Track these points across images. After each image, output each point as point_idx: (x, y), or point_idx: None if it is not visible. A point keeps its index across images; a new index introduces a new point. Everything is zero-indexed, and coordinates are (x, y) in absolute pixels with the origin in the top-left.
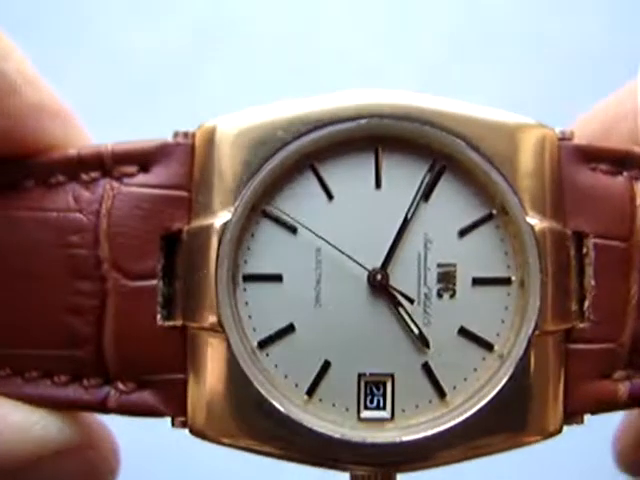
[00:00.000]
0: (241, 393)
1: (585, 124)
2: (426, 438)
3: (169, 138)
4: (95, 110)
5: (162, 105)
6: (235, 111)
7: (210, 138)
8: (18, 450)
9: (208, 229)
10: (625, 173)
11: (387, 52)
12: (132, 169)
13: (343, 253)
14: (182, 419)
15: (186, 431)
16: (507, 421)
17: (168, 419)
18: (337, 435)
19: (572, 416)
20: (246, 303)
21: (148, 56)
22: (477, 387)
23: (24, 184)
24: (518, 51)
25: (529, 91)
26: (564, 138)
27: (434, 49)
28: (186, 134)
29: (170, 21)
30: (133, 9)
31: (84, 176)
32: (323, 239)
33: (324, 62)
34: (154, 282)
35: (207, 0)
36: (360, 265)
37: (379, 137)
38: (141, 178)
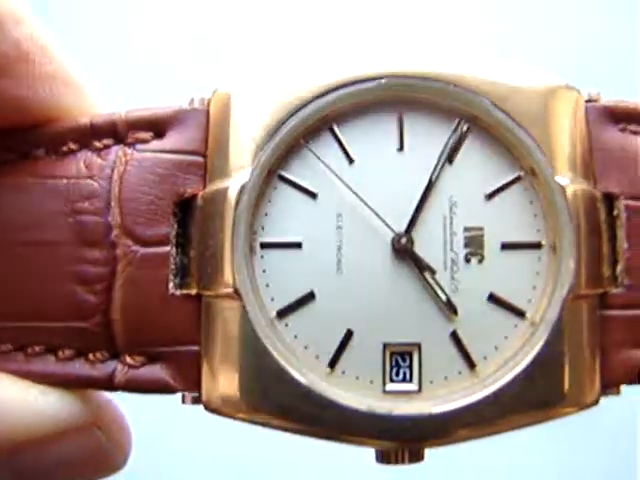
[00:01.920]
0: (259, 365)
1: None
2: (456, 410)
3: (185, 105)
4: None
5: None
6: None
7: (226, 101)
8: (15, 428)
9: (224, 193)
10: None
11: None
12: (146, 135)
13: (372, 211)
14: (195, 394)
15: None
16: (541, 391)
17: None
18: (362, 407)
19: (608, 386)
20: (264, 271)
21: (148, 56)
22: (509, 356)
23: (35, 153)
24: (518, 51)
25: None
26: (591, 100)
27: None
28: (202, 100)
29: (170, 21)
30: (133, 8)
31: (97, 143)
32: (357, 195)
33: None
34: (167, 249)
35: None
36: (387, 225)
37: (400, 98)
38: (155, 144)
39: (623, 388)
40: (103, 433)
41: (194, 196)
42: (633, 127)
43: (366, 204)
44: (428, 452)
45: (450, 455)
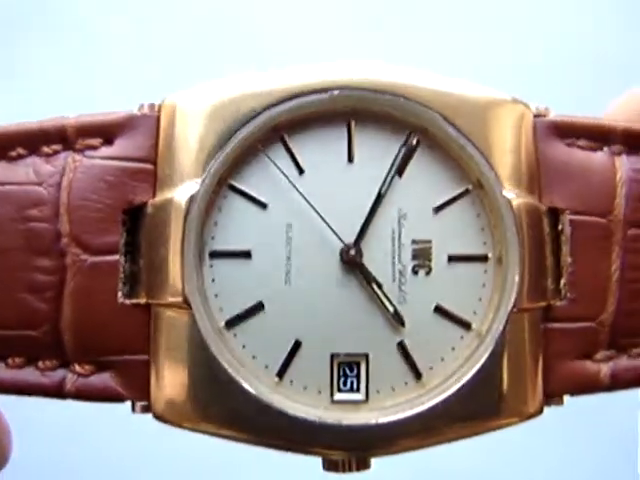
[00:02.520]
0: (207, 374)
1: (619, 109)
2: (402, 420)
3: (135, 110)
4: (94, 109)
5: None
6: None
7: (174, 109)
8: None
9: (174, 202)
10: (606, 148)
11: (388, 52)
12: (95, 142)
13: (324, 221)
14: (144, 403)
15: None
16: (485, 402)
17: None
18: (312, 417)
19: (552, 397)
20: (213, 280)
21: (148, 56)
22: (455, 367)
23: None
24: (519, 51)
25: (529, 91)
26: (539, 114)
27: (433, 49)
28: (152, 106)
29: (170, 20)
30: (133, 8)
31: (45, 149)
32: (309, 204)
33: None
34: (116, 257)
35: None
36: (337, 237)
37: (351, 109)
38: (105, 151)
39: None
40: None
41: (144, 204)
42: (581, 142)
43: (318, 214)
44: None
45: (450, 454)
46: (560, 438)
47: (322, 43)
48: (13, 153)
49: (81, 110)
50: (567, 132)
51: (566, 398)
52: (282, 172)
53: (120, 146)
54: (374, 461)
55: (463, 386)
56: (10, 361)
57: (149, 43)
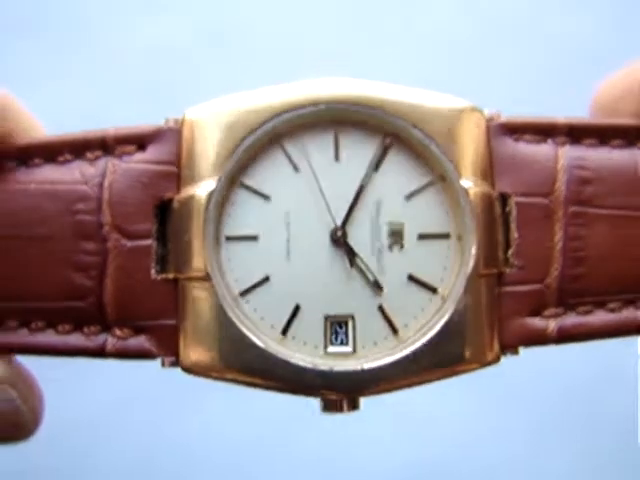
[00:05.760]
0: (225, 332)
1: (600, 95)
2: (383, 366)
3: (162, 123)
4: (94, 110)
5: (162, 104)
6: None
7: (193, 123)
8: None
9: (195, 197)
10: (550, 140)
11: (388, 52)
12: (130, 148)
13: (325, 203)
14: (172, 359)
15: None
16: (450, 351)
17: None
18: (309, 365)
19: (507, 348)
20: (228, 259)
21: (148, 55)
22: (424, 322)
23: (34, 161)
24: (518, 50)
25: (529, 91)
26: (492, 118)
27: (433, 49)
28: (176, 120)
29: (170, 20)
30: (133, 8)
31: (89, 154)
32: (313, 190)
33: (324, 61)
34: (149, 242)
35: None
36: (332, 219)
37: (336, 119)
38: (138, 156)
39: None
40: (19, 396)
41: (171, 200)
42: (527, 137)
43: (322, 195)
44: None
45: (451, 454)
46: (563, 436)
47: (319, 56)
48: (61, 158)
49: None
50: (514, 129)
51: (521, 350)
52: (281, 170)
53: (151, 153)
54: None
55: (431, 338)
56: (60, 328)
57: (159, 55)
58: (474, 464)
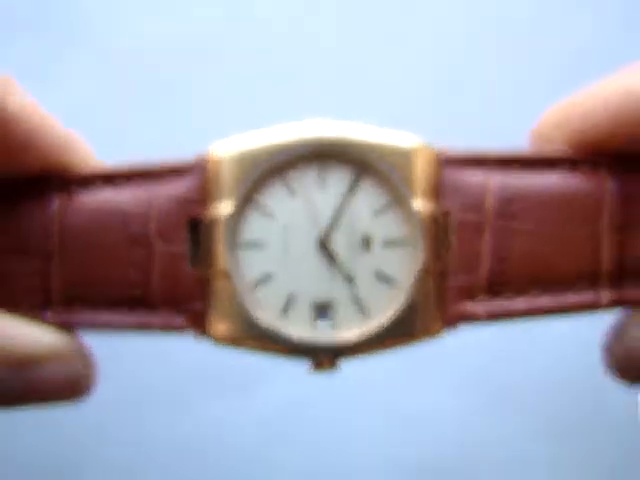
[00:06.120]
0: (242, 315)
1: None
2: (357, 338)
3: (195, 157)
4: (95, 110)
5: (163, 104)
6: (237, 110)
7: (215, 158)
8: (20, 347)
9: (218, 214)
10: (483, 167)
11: (389, 52)
12: (170, 176)
13: (314, 221)
14: (202, 333)
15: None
16: (407, 327)
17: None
18: (302, 335)
19: (448, 325)
20: (243, 260)
21: (149, 56)
22: (387, 307)
23: (94, 185)
24: (517, 50)
25: (528, 91)
26: (440, 153)
27: (433, 49)
28: (204, 154)
29: (171, 20)
30: (134, 7)
31: (139, 180)
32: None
33: (325, 61)
34: (184, 247)
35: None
36: (318, 232)
37: (322, 155)
38: (176, 183)
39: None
40: (81, 364)
41: (200, 216)
42: (465, 167)
43: (311, 213)
44: None
45: (454, 455)
46: (562, 437)
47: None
48: (117, 182)
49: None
50: (456, 161)
51: (460, 326)
52: (281, 194)
53: (186, 181)
54: None
55: (392, 318)
56: (119, 310)
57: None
58: (469, 462)
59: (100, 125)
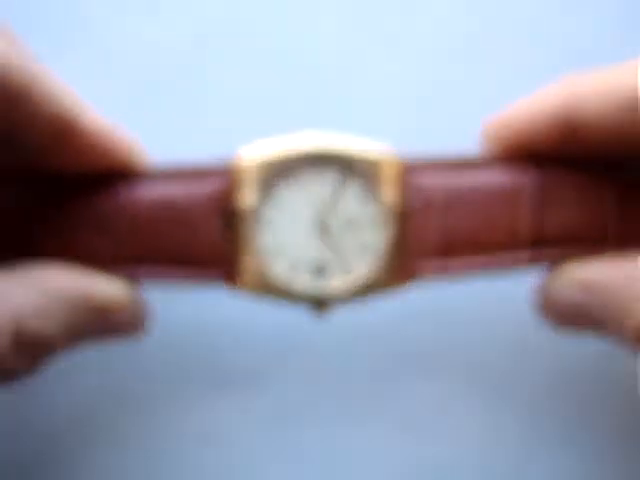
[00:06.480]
0: (262, 273)
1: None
2: (342, 286)
3: (223, 161)
4: (95, 110)
5: (165, 104)
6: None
7: (241, 160)
8: (100, 301)
9: (245, 207)
10: (434, 170)
11: (389, 51)
12: (209, 175)
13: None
14: (235, 286)
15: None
16: (378, 280)
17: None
18: (304, 288)
19: (408, 279)
20: (262, 235)
21: (150, 56)
22: (365, 267)
23: (150, 179)
24: (517, 50)
25: (528, 91)
26: (403, 160)
27: (433, 49)
28: (232, 158)
29: (172, 20)
30: (135, 7)
31: (189, 177)
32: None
33: (326, 61)
34: (218, 227)
35: None
36: (317, 218)
37: (319, 159)
38: (213, 180)
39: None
40: (142, 309)
41: (233, 207)
42: (422, 170)
43: (311, 203)
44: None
45: (456, 457)
46: (568, 444)
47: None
48: (167, 178)
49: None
50: (414, 166)
51: (417, 281)
52: (287, 191)
53: (218, 179)
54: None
55: (367, 274)
56: (176, 266)
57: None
58: (470, 464)
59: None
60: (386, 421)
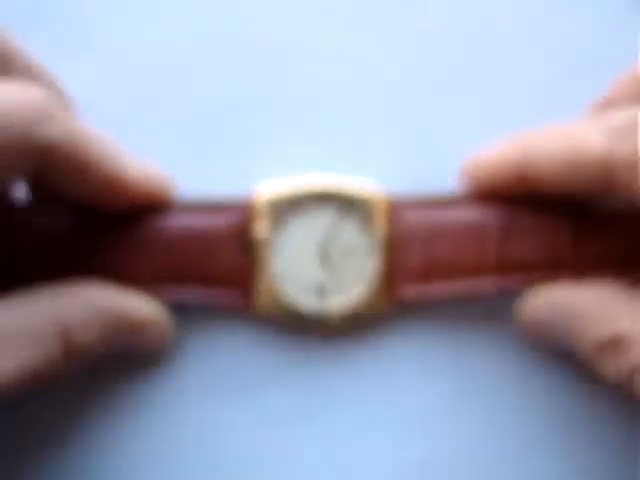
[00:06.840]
0: (274, 294)
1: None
2: (339, 306)
3: (242, 197)
4: (97, 110)
5: (165, 104)
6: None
7: (256, 198)
8: (133, 318)
9: (259, 237)
10: (417, 207)
11: (389, 52)
12: (228, 208)
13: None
14: (250, 307)
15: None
16: (368, 302)
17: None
18: (309, 307)
19: (393, 302)
20: (273, 261)
21: (151, 55)
22: (358, 289)
23: (177, 211)
24: (517, 50)
25: (527, 90)
26: (390, 199)
27: (433, 49)
28: (248, 196)
29: (172, 20)
30: (137, 7)
31: (210, 210)
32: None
33: (326, 61)
34: (237, 254)
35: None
36: (319, 247)
37: (321, 197)
38: (232, 213)
39: None
40: (166, 327)
41: (247, 236)
42: (407, 208)
43: (313, 234)
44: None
45: (456, 457)
46: (565, 448)
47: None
48: (191, 210)
49: None
50: (400, 204)
51: (400, 304)
52: (293, 225)
53: (237, 212)
54: None
55: (359, 295)
56: (200, 286)
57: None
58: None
59: (100, 125)
60: (386, 421)
